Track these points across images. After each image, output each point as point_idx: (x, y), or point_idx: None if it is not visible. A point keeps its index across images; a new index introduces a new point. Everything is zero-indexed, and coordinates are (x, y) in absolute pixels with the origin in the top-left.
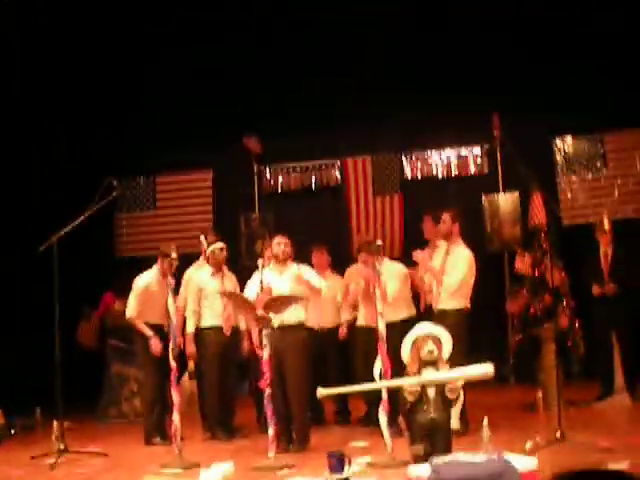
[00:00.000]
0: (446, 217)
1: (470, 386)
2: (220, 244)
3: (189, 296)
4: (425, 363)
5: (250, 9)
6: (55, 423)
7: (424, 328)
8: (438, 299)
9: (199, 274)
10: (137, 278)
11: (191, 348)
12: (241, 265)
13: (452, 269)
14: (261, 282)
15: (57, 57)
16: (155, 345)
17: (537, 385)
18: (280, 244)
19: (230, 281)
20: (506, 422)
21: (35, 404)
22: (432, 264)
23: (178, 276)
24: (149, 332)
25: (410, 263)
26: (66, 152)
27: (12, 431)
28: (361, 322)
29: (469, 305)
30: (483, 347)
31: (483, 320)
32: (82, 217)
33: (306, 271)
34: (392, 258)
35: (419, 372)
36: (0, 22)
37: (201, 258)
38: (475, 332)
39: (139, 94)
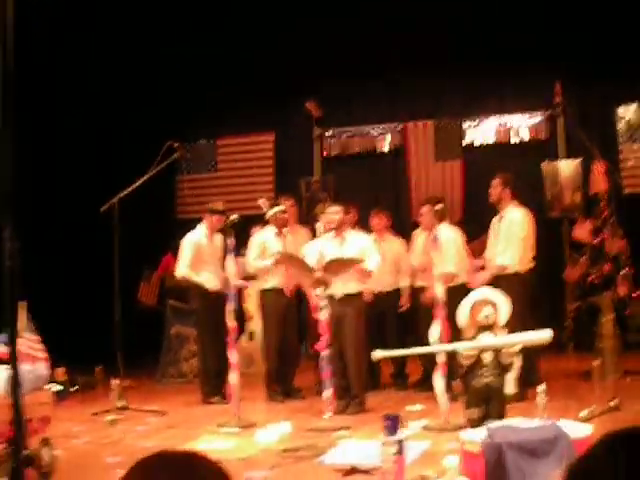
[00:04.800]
0: (496, 182)
1: (529, 351)
2: (281, 206)
3: (253, 254)
4: (482, 328)
5: None
6: (115, 381)
7: (482, 293)
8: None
9: (264, 234)
10: (184, 238)
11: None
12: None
13: (507, 235)
14: (320, 247)
15: (120, 24)
16: (214, 284)
17: (595, 354)
18: (332, 213)
19: (295, 243)
20: (562, 389)
21: (97, 362)
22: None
23: (239, 237)
24: (202, 278)
25: (470, 229)
26: (130, 115)
27: (74, 388)
28: (421, 284)
29: (531, 266)
30: (541, 313)
31: (542, 287)
32: (143, 179)
33: (366, 247)
34: (452, 223)
35: (476, 337)
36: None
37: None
38: (534, 299)
39: (201, 58)
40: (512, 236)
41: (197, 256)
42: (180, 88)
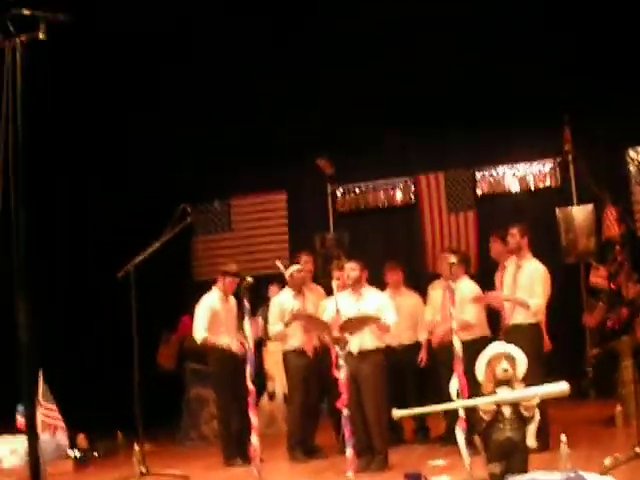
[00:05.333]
0: (514, 231)
1: (549, 402)
2: (297, 266)
3: (272, 318)
4: (500, 382)
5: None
6: (136, 446)
7: (498, 347)
8: (511, 315)
9: (282, 296)
10: (199, 302)
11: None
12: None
13: (527, 285)
14: (336, 304)
15: (129, 85)
16: (236, 346)
17: (617, 400)
18: (350, 270)
19: (313, 301)
20: (585, 438)
21: (117, 428)
22: (503, 293)
23: (255, 297)
24: (223, 341)
25: (485, 281)
26: (143, 178)
27: (95, 454)
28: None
29: (544, 319)
30: (561, 361)
31: (561, 334)
32: (158, 243)
33: (383, 304)
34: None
35: (494, 391)
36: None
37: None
38: (552, 347)
39: (212, 115)
40: (537, 287)
41: (213, 319)
42: (193, 150)
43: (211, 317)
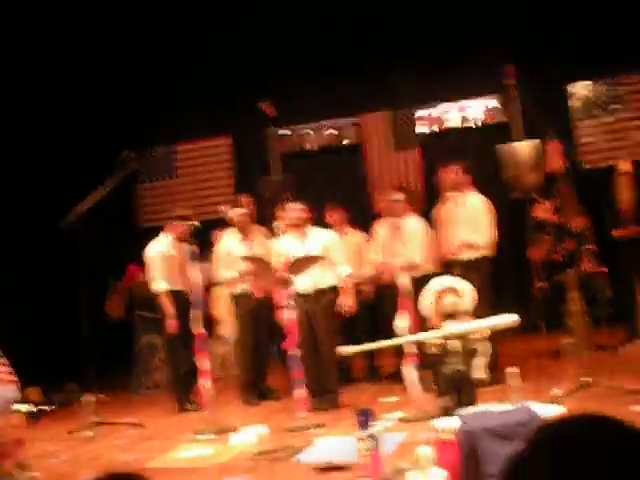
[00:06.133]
0: (457, 169)
1: (499, 335)
2: (238, 209)
3: (220, 263)
4: (447, 316)
5: None
6: (89, 397)
7: (443, 281)
8: (457, 248)
9: (228, 241)
10: (147, 249)
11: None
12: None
13: (470, 219)
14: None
15: (75, 29)
16: (170, 326)
17: (564, 332)
18: (294, 211)
19: (261, 244)
20: (534, 370)
21: (69, 380)
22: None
23: (201, 242)
24: (170, 310)
25: (430, 218)
26: (85, 125)
27: (51, 407)
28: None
29: (492, 253)
30: (508, 295)
31: (508, 268)
32: (102, 191)
33: (328, 242)
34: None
35: (441, 325)
36: None
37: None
38: (499, 280)
39: (152, 63)
40: (478, 221)
41: (166, 265)
42: (134, 96)
43: (164, 263)
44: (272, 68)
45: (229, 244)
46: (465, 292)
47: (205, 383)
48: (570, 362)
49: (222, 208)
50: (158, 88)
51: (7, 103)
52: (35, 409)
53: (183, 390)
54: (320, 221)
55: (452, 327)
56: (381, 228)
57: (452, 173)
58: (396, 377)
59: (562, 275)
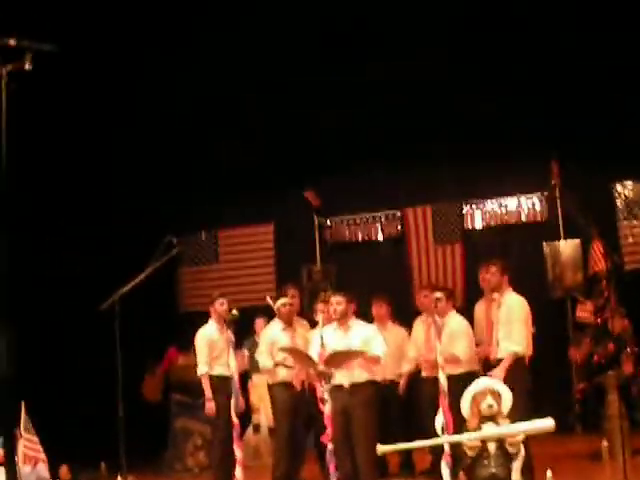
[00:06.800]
0: (494, 269)
1: (536, 437)
2: (284, 299)
3: (262, 351)
4: (485, 418)
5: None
6: (119, 478)
7: (483, 382)
8: (496, 349)
9: (271, 329)
10: (198, 333)
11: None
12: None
13: (507, 319)
14: (321, 338)
15: (119, 118)
16: (209, 408)
17: (603, 434)
18: (333, 303)
19: (302, 335)
20: (571, 473)
21: (100, 459)
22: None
23: (241, 329)
24: (209, 394)
25: (472, 314)
26: (128, 210)
27: None
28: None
29: (529, 353)
30: (547, 396)
31: (547, 368)
32: (143, 274)
33: (370, 336)
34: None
35: (479, 427)
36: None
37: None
38: (539, 380)
39: (197, 150)
40: (514, 322)
41: (211, 350)
42: (180, 181)
43: (211, 348)
44: (318, 159)
45: (273, 333)
46: (504, 394)
47: (238, 472)
48: (607, 466)
49: (268, 297)
50: (204, 173)
51: (53, 181)
52: None
53: (222, 477)
54: (361, 314)
55: (490, 429)
56: (421, 325)
57: (488, 274)
58: (430, 473)
59: (602, 377)
